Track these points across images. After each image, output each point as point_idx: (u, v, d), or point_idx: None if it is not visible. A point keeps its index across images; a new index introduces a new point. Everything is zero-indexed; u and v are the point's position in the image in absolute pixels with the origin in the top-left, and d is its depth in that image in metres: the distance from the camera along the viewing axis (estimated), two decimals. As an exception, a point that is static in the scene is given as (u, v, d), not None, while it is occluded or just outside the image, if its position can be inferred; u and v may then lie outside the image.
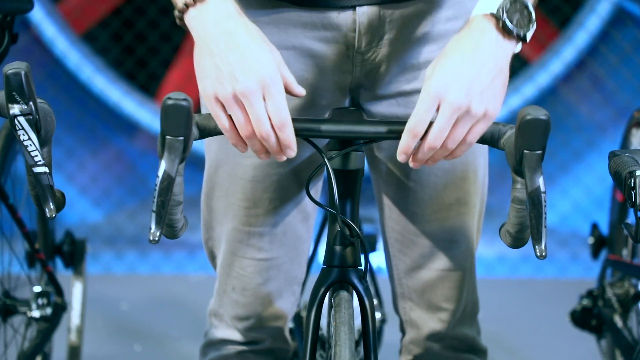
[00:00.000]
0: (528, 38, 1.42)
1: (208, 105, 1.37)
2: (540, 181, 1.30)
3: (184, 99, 1.31)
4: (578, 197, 4.77)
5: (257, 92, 1.34)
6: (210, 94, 1.36)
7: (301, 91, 1.39)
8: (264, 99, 1.34)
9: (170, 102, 1.31)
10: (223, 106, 1.36)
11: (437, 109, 1.35)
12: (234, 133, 1.38)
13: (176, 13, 1.40)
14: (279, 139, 1.36)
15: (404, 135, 1.37)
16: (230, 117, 1.37)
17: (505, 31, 1.39)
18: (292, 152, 1.37)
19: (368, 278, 1.54)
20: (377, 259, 2.68)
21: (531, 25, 1.41)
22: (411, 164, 1.41)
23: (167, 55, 5.08)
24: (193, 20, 1.38)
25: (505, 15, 1.38)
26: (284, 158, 1.39)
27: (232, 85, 1.34)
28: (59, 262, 2.64)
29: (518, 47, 1.43)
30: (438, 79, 1.35)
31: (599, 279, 2.54)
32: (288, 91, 1.38)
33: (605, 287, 2.47)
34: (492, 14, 1.39)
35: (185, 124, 1.32)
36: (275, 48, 1.39)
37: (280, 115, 1.34)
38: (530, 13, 1.40)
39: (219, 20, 1.36)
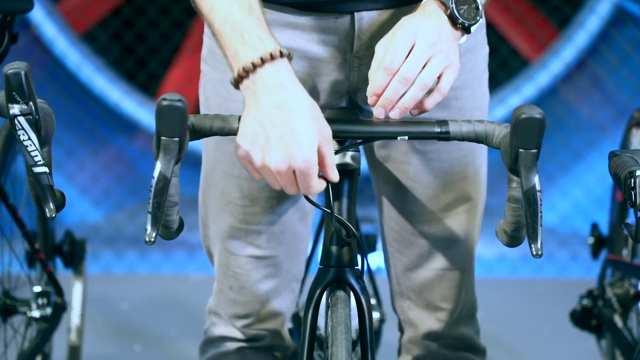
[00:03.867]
0: (472, 30, 1.46)
1: (241, 162, 1.35)
2: (536, 180, 1.30)
3: (179, 100, 1.31)
4: (578, 197, 4.77)
5: (287, 173, 1.32)
6: (243, 154, 1.34)
7: (334, 177, 1.36)
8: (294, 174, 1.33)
9: (165, 103, 1.31)
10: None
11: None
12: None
13: (231, 81, 1.37)
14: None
15: (377, 72, 1.40)
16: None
17: (452, 20, 1.44)
18: (335, 177, 1.38)
19: (366, 278, 1.54)
20: (377, 258, 2.68)
21: (478, 18, 1.45)
22: (391, 114, 1.41)
23: (167, 55, 5.08)
24: (247, 90, 1.34)
25: (453, 4, 1.43)
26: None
27: (264, 158, 1.31)
28: (59, 262, 2.64)
29: (463, 39, 1.47)
30: (411, 23, 1.42)
31: (599, 279, 2.54)
32: (324, 172, 1.35)
33: (605, 287, 2.47)
34: (442, 1, 1.44)
35: (180, 125, 1.31)
36: (324, 123, 1.34)
37: (307, 190, 1.33)
38: (477, 7, 1.45)
39: (271, 89, 1.32)
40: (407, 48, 1.40)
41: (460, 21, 1.44)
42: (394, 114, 1.40)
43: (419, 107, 1.44)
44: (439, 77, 1.42)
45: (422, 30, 1.40)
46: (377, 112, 1.40)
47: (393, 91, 1.39)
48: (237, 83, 1.35)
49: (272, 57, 1.33)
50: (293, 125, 1.30)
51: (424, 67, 1.40)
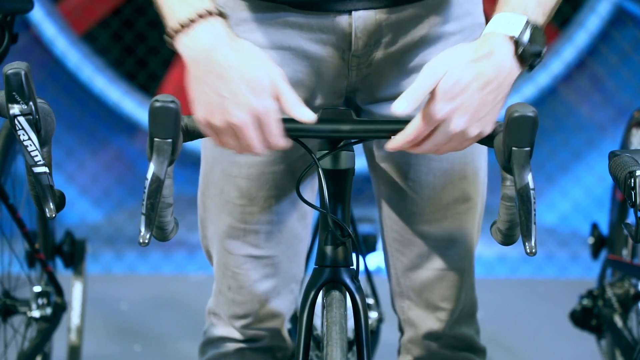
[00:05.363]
0: (535, 67, 1.41)
1: (201, 129, 1.37)
2: (529, 178, 1.30)
3: (172, 101, 1.31)
4: (578, 197, 4.77)
5: (250, 125, 1.33)
6: (202, 120, 1.35)
7: (304, 116, 1.35)
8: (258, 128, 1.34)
9: (157, 104, 1.30)
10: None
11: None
12: (228, 146, 1.38)
13: (166, 38, 1.37)
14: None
15: (409, 130, 1.36)
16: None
17: (522, 58, 1.38)
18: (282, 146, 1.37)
19: (364, 278, 1.54)
20: (377, 258, 2.68)
21: (542, 56, 1.40)
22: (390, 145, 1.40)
23: (167, 55, 5.08)
24: (183, 47, 1.35)
25: (528, 43, 1.37)
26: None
27: (224, 116, 1.33)
28: (59, 262, 2.64)
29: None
30: (444, 101, 1.34)
31: (599, 279, 2.54)
32: (289, 113, 1.35)
33: (605, 287, 2.47)
34: (513, 38, 1.37)
35: (173, 126, 1.31)
36: (274, 66, 1.35)
37: (274, 142, 1.34)
38: (544, 40, 1.39)
39: (209, 48, 1.34)
40: (432, 126, 1.35)
41: (529, 62, 1.38)
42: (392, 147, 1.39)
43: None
44: None
45: (454, 114, 1.33)
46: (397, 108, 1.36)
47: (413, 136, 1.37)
48: (171, 38, 1.36)
49: (210, 14, 1.35)
50: (243, 76, 1.32)
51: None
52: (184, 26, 1.35)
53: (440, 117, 1.34)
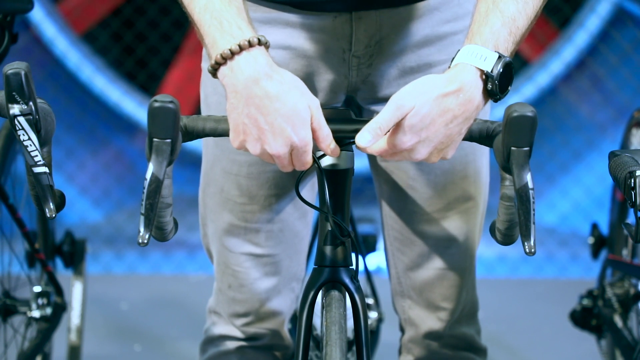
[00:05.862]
0: (500, 99, 1.41)
1: (233, 144, 1.37)
2: (528, 178, 1.30)
3: (171, 102, 1.31)
4: (578, 197, 4.76)
5: (286, 156, 1.34)
6: (238, 145, 1.36)
7: (331, 151, 1.37)
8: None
9: (156, 104, 1.30)
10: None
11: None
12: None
13: (209, 69, 1.37)
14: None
15: (396, 134, 1.35)
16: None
17: (489, 93, 1.38)
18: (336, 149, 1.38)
19: (364, 277, 1.54)
20: (377, 258, 2.68)
21: (509, 89, 1.40)
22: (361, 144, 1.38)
23: (167, 55, 5.08)
24: (224, 77, 1.35)
25: (497, 81, 1.37)
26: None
27: (262, 146, 1.34)
28: (59, 262, 2.64)
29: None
30: (401, 140, 1.35)
31: (599, 279, 2.54)
32: (320, 146, 1.36)
33: (605, 287, 2.46)
34: (484, 73, 1.37)
35: (172, 126, 1.31)
36: (312, 97, 1.35)
37: (303, 167, 1.36)
38: (512, 77, 1.39)
39: (249, 79, 1.33)
40: (392, 123, 1.35)
41: (502, 95, 1.40)
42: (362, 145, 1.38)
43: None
44: None
45: (421, 142, 1.35)
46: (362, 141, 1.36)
47: (381, 149, 1.38)
48: (214, 70, 1.36)
49: (250, 45, 1.33)
50: (283, 109, 1.31)
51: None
52: (225, 58, 1.34)
53: (404, 148, 1.35)
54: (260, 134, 1.33)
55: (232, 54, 1.33)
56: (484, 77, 1.37)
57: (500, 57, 1.37)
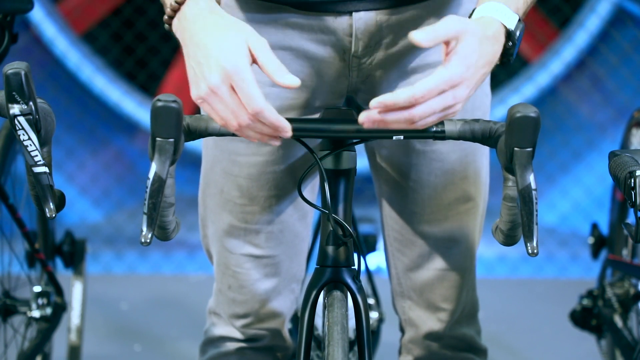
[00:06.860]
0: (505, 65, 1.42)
1: (201, 107, 1.37)
2: (531, 178, 1.30)
3: (174, 101, 1.31)
4: (578, 197, 4.77)
5: (222, 86, 1.31)
6: (195, 97, 1.36)
7: (287, 81, 1.31)
8: (234, 90, 1.32)
9: (160, 104, 1.30)
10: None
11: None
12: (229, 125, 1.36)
13: (166, 27, 1.42)
14: (266, 124, 1.33)
15: (403, 93, 1.32)
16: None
17: (505, 52, 1.39)
18: (286, 132, 1.33)
19: (365, 278, 1.54)
20: (377, 258, 2.68)
21: (514, 53, 1.42)
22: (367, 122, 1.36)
23: (167, 55, 5.08)
24: (177, 31, 1.40)
25: (518, 40, 1.39)
26: (278, 142, 1.36)
27: (204, 83, 1.32)
28: (59, 262, 2.64)
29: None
30: (459, 70, 1.32)
31: (599, 279, 2.54)
32: (273, 80, 1.32)
33: (605, 287, 2.46)
34: (507, 30, 1.39)
35: (175, 125, 1.31)
36: (255, 34, 1.34)
37: (251, 104, 1.30)
38: (517, 44, 1.41)
39: (191, 22, 1.37)
40: (438, 92, 1.32)
41: (513, 58, 1.40)
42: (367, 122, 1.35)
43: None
44: None
45: (468, 79, 1.33)
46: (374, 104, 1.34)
47: (392, 117, 1.34)
48: (169, 26, 1.41)
49: None
50: (213, 39, 1.33)
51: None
52: (175, 11, 1.39)
53: (458, 79, 1.32)
54: (200, 69, 1.33)
55: (179, 4, 1.38)
56: (506, 34, 1.38)
57: (519, 20, 1.39)
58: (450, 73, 1.32)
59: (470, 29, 1.34)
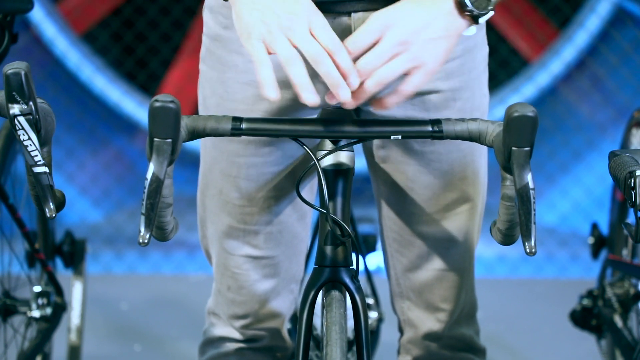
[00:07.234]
0: (481, 21, 1.44)
1: (251, 52, 1.37)
2: (529, 178, 1.30)
3: (172, 101, 1.31)
4: (578, 197, 4.77)
5: (303, 23, 1.35)
6: (256, 39, 1.36)
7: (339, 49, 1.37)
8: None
9: (157, 104, 1.30)
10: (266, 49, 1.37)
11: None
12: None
13: None
14: (337, 66, 1.36)
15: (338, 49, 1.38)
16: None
17: (461, 6, 1.42)
18: (356, 80, 1.37)
19: (364, 277, 1.54)
20: (377, 258, 2.68)
21: (489, 9, 1.44)
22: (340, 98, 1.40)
23: (167, 55, 5.08)
24: None
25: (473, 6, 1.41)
26: (342, 97, 1.38)
27: (276, 22, 1.35)
28: (59, 262, 2.64)
29: (471, 30, 1.46)
30: (389, 12, 1.39)
31: (599, 279, 2.54)
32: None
33: (605, 287, 2.47)
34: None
35: (173, 126, 1.31)
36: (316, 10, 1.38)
37: (333, 40, 1.36)
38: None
39: None
40: (371, 40, 1.39)
41: (469, 8, 1.42)
42: (343, 98, 1.39)
43: (380, 104, 1.44)
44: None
45: (396, 25, 1.39)
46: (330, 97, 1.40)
47: (351, 80, 1.39)
48: None
49: None
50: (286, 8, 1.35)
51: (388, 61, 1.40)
52: None
53: (392, 20, 1.39)
54: (272, 11, 1.35)
55: None
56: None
57: None
58: (376, 16, 1.40)
59: (397, 15, 1.39)
